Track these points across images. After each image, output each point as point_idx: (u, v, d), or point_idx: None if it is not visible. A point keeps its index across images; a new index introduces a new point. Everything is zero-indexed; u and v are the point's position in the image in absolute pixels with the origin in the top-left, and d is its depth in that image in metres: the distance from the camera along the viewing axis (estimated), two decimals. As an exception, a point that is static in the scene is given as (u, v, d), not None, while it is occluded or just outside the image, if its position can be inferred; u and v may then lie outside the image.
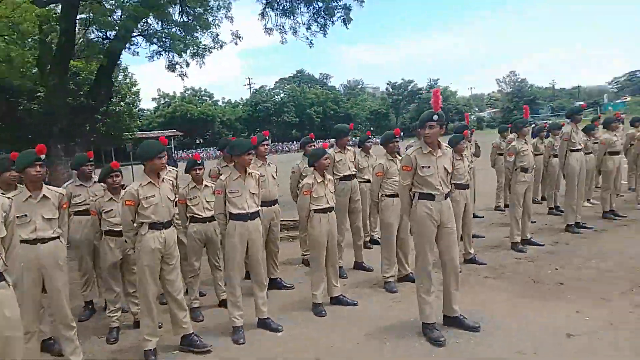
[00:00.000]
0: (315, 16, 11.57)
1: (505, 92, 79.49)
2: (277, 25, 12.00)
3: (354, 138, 23.98)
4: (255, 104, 59.90)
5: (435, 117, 3.66)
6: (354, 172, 5.80)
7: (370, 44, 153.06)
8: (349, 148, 5.90)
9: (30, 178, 3.39)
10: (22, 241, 3.13)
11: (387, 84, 71.39)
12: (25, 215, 3.31)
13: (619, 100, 74.14)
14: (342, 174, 5.61)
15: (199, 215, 4.45)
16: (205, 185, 4.52)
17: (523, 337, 3.64)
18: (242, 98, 66.37)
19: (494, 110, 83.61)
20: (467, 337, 3.72)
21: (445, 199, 3.77)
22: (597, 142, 7.94)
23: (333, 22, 11.47)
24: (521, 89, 74.15)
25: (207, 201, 4.46)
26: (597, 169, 7.77)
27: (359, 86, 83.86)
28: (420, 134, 3.82)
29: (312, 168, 4.52)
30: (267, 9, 12.02)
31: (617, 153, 7.50)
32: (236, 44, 11.21)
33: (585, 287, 4.63)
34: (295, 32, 11.90)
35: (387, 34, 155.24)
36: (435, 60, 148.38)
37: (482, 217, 8.15)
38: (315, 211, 4.42)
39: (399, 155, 5.01)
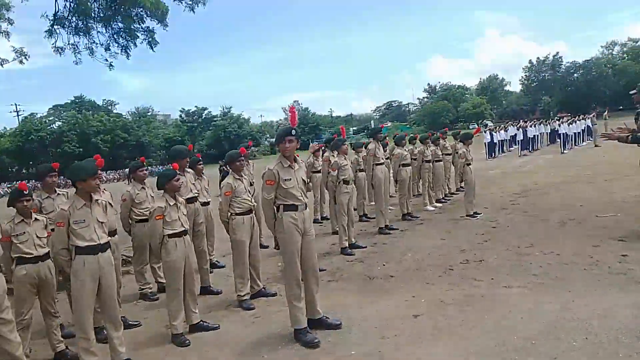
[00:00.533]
0: (116, 37, 10.83)
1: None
2: (69, 44, 10.81)
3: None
4: (26, 133, 51.63)
5: (293, 132, 3.93)
6: (196, 195, 5.67)
7: (155, 70, 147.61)
8: (188, 170, 5.74)
9: None
10: None
11: (181, 111, 69.98)
12: None
13: (382, 125, 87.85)
14: (184, 197, 5.40)
15: (29, 254, 3.76)
16: (36, 219, 3.86)
17: (380, 325, 4.11)
18: (5, 127, 56.77)
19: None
20: (335, 334, 4.02)
21: (306, 208, 4.04)
22: (388, 158, 9.40)
23: (136, 45, 10.92)
24: (305, 117, 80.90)
25: (38, 237, 3.81)
26: (394, 179, 9.15)
27: (149, 113, 79.87)
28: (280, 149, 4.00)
29: (162, 191, 4.31)
30: (55, 27, 10.73)
31: (408, 165, 8.99)
32: (22, 62, 9.68)
33: (411, 275, 5.45)
34: (92, 53, 10.90)
35: (174, 61, 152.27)
36: (225, 89, 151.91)
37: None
38: (170, 236, 4.20)
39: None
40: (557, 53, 70.47)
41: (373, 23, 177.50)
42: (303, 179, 4.04)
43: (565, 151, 19.70)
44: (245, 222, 5.06)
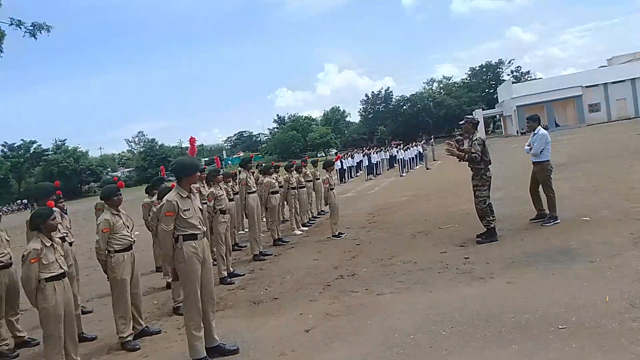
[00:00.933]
0: None
1: (137, 152, 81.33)
2: None
3: None
4: None
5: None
6: (65, 234, 5.24)
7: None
8: (54, 208, 5.29)
9: None
10: None
11: (2, 145, 61.13)
12: None
13: (235, 155, 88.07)
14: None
15: None
16: None
17: (275, 344, 4.32)
18: None
19: (127, 169, 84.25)
20: (234, 359, 4.12)
21: (204, 236, 4.11)
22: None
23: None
24: (152, 148, 77.18)
25: None
26: (264, 206, 9.45)
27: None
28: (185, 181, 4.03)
29: (36, 232, 3.98)
30: None
31: (277, 192, 9.39)
32: None
33: (294, 295, 5.77)
34: None
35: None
36: (59, 120, 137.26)
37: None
38: (47, 279, 3.88)
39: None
40: (389, 88, 79.35)
41: (219, 52, 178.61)
42: (200, 208, 4.12)
43: (403, 174, 22.23)
44: (125, 259, 4.87)
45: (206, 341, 4.14)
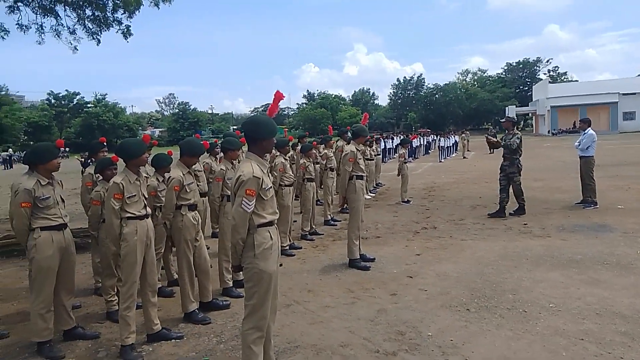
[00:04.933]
0: (83, 22, 11.29)
1: (170, 114, 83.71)
2: (34, 23, 10.98)
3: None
4: None
5: None
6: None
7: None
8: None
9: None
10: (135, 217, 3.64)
11: (49, 94, 63.89)
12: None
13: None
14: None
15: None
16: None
17: (398, 259, 6.18)
18: None
19: (158, 129, 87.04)
20: (374, 264, 6.00)
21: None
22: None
23: (107, 29, 11.46)
24: (185, 111, 79.54)
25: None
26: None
27: (2, 92, 71.14)
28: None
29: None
30: (19, 3, 10.84)
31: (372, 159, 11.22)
32: None
33: (392, 236, 7.63)
34: (58, 35, 11.20)
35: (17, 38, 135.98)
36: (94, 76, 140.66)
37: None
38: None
39: None
40: (421, 74, 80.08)
41: (249, 24, 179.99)
42: None
43: (442, 160, 23.89)
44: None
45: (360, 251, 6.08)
